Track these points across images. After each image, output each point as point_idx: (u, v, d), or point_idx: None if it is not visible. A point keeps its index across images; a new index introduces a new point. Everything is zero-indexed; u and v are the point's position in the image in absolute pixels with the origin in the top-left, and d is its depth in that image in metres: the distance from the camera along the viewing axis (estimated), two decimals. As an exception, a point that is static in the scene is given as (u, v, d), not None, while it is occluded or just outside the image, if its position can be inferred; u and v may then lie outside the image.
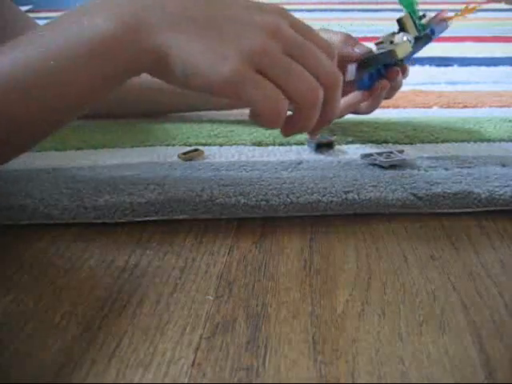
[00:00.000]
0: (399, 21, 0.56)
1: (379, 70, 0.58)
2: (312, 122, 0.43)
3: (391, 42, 0.56)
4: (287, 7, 0.45)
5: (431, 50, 1.15)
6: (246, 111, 0.71)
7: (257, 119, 0.42)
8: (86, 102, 0.46)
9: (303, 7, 1.78)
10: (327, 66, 0.42)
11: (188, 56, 0.41)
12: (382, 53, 0.56)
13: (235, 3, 0.43)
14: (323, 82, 0.42)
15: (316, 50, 0.43)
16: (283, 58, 0.41)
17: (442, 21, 0.58)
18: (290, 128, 0.44)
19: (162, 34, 0.42)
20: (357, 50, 0.59)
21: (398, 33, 0.57)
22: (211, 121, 0.69)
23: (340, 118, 0.64)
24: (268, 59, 0.41)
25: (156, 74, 0.44)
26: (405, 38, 0.55)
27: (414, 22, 0.56)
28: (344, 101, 0.58)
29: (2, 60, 0.44)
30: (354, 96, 0.60)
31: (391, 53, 0.54)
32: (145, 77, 0.46)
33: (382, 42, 0.57)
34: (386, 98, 0.62)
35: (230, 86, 0.40)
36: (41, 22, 0.71)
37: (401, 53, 0.54)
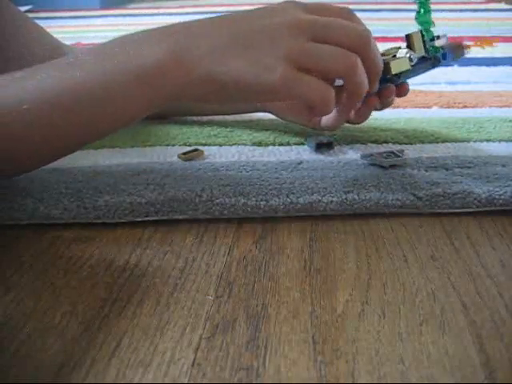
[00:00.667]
0: (407, 36, 0.55)
1: None
2: (362, 85, 0.46)
3: (393, 56, 0.55)
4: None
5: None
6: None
7: (311, 111, 0.47)
8: (126, 125, 0.47)
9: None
10: (349, 29, 0.45)
11: (238, 77, 0.44)
12: None
13: (253, 16, 0.46)
14: (353, 47, 0.45)
15: (335, 22, 0.45)
16: (311, 46, 0.45)
17: (459, 47, 0.57)
18: (348, 104, 0.48)
19: (209, 63, 0.44)
20: None
21: (404, 48, 0.56)
22: (211, 121, 0.69)
23: (336, 128, 0.62)
24: (300, 54, 0.44)
25: (204, 100, 0.48)
26: (407, 55, 0.54)
27: (424, 42, 0.55)
28: (336, 110, 0.57)
29: (30, 81, 0.44)
30: (343, 104, 0.59)
31: (385, 66, 0.53)
32: None
33: (384, 54, 0.56)
34: (376, 110, 0.60)
35: (281, 91, 0.44)
36: (41, 22, 0.71)
37: (395, 68, 0.53)
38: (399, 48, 0.56)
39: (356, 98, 0.48)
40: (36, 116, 0.43)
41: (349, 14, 0.47)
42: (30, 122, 0.43)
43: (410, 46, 0.55)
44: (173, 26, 0.47)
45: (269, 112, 0.66)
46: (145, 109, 0.46)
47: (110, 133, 0.47)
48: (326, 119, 0.59)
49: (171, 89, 0.45)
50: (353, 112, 0.58)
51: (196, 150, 0.58)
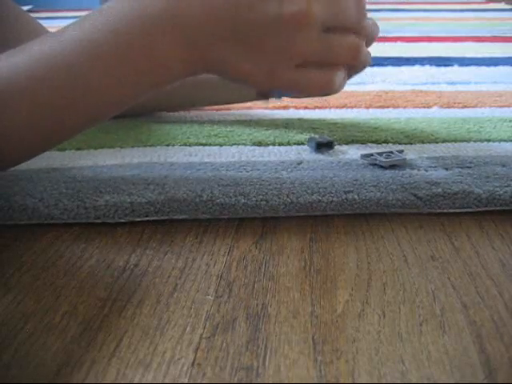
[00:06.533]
0: None
1: None
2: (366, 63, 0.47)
3: None
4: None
5: (431, 49, 1.16)
6: (246, 111, 0.70)
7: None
8: (119, 111, 0.47)
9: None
10: (353, 16, 0.45)
11: (240, 75, 0.45)
12: None
13: (260, 4, 0.43)
14: (357, 30, 0.46)
15: (341, 11, 0.45)
16: (317, 44, 0.44)
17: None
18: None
19: (211, 59, 0.44)
20: None
21: None
22: (211, 121, 0.69)
23: None
24: (305, 53, 0.44)
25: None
26: None
27: None
28: None
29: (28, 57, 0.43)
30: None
31: None
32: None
33: None
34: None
35: (280, 89, 0.46)
36: (41, 22, 0.70)
37: None
38: None
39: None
40: (28, 106, 0.42)
41: None
42: (24, 116, 0.42)
43: None
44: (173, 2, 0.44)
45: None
46: (142, 93, 0.46)
47: (102, 120, 0.47)
48: None
49: (170, 77, 0.45)
50: None
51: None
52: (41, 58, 0.42)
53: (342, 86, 0.47)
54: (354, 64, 0.46)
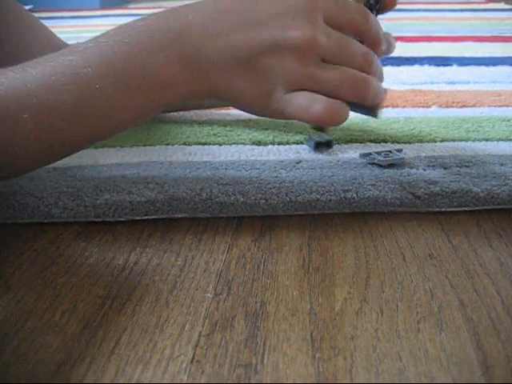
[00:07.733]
0: None
1: None
2: (376, 99, 0.47)
3: None
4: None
5: (430, 49, 1.16)
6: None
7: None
8: (126, 129, 0.47)
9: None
10: (358, 55, 0.45)
11: (236, 97, 0.46)
12: None
13: (264, 18, 0.44)
14: (364, 68, 0.46)
15: (347, 46, 0.45)
16: (318, 72, 0.44)
17: None
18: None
19: (214, 79, 0.45)
20: None
21: None
22: (211, 120, 0.70)
23: None
24: (303, 80, 0.44)
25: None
26: None
27: None
28: None
29: (26, 83, 0.42)
30: None
31: None
32: None
33: None
34: None
35: (272, 115, 0.47)
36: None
37: None
38: None
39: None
40: (35, 123, 0.42)
41: (364, 18, 0.47)
42: (31, 130, 0.42)
43: None
44: (174, 23, 0.45)
45: None
46: (146, 115, 0.47)
47: (108, 138, 0.48)
48: None
49: (174, 99, 0.46)
50: None
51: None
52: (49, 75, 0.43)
53: (341, 117, 0.46)
54: (360, 100, 0.46)
